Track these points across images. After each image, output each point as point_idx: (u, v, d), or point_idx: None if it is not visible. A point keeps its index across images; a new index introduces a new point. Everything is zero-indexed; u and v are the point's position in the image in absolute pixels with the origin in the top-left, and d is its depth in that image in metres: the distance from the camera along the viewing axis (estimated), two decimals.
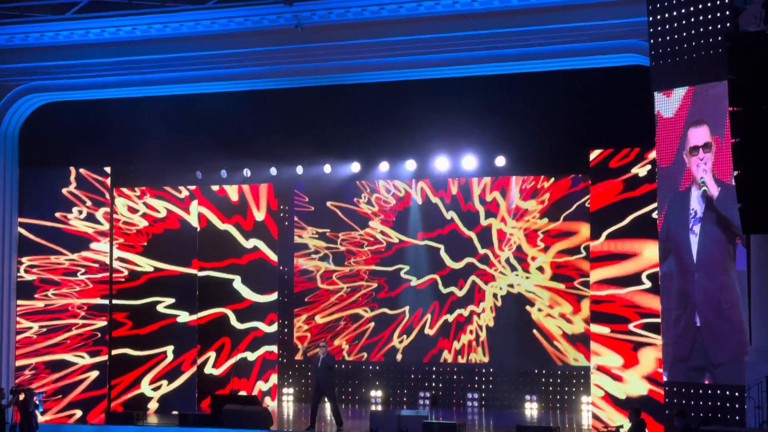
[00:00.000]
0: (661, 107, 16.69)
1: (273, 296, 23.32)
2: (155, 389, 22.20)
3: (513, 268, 22.56)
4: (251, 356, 23.08)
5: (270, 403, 22.64)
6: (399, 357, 23.26)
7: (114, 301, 22.06)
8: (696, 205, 16.13)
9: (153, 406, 22.13)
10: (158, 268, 22.39)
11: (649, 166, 18.69)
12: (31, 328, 21.83)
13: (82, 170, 22.00)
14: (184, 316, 22.16)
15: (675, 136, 16.50)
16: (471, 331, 22.79)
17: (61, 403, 21.58)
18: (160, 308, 22.29)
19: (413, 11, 18.99)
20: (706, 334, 15.89)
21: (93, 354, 21.70)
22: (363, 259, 23.68)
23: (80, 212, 21.96)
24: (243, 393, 22.59)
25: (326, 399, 19.26)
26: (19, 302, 21.86)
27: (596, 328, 19.37)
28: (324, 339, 21.83)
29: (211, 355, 22.92)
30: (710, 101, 15.75)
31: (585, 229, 21.07)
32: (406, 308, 23.29)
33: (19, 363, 21.72)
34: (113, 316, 22.02)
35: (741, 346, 15.47)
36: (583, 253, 21.50)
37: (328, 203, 23.88)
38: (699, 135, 16.06)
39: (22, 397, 18.65)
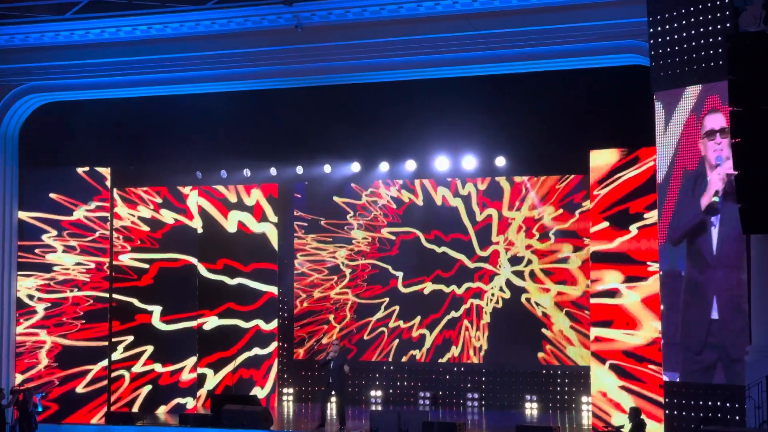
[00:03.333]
0: (665, 105, 16.68)
1: (273, 296, 23.29)
2: (155, 388, 22.23)
3: (513, 268, 22.56)
4: (251, 356, 23.06)
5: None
6: (399, 357, 23.25)
7: (114, 301, 22.06)
8: (716, 197, 15.91)
9: (153, 406, 22.15)
10: (158, 268, 22.39)
11: (649, 166, 18.68)
12: (31, 329, 21.85)
13: (81, 170, 22.00)
14: (183, 316, 22.18)
15: (681, 131, 16.46)
16: (471, 331, 22.79)
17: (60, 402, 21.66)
18: (160, 308, 22.31)
19: (413, 11, 19.00)
20: (722, 329, 15.76)
21: (94, 354, 21.70)
22: (363, 258, 23.68)
23: (80, 212, 21.94)
24: (243, 393, 22.60)
25: (334, 399, 19.40)
26: (19, 302, 21.85)
27: (597, 329, 19.39)
28: (336, 339, 21.82)
29: (211, 354, 22.91)
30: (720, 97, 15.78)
31: (585, 229, 21.07)
32: (407, 308, 23.29)
33: (19, 363, 21.79)
34: (113, 316, 22.01)
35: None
36: (584, 253, 21.51)
37: (328, 203, 23.88)
38: (716, 120, 15.88)
39: (21, 397, 18.66)
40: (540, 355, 22.16)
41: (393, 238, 23.53)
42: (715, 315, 15.90)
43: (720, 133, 15.83)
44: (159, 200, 22.57)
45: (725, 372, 15.71)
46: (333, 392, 19.40)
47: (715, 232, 15.94)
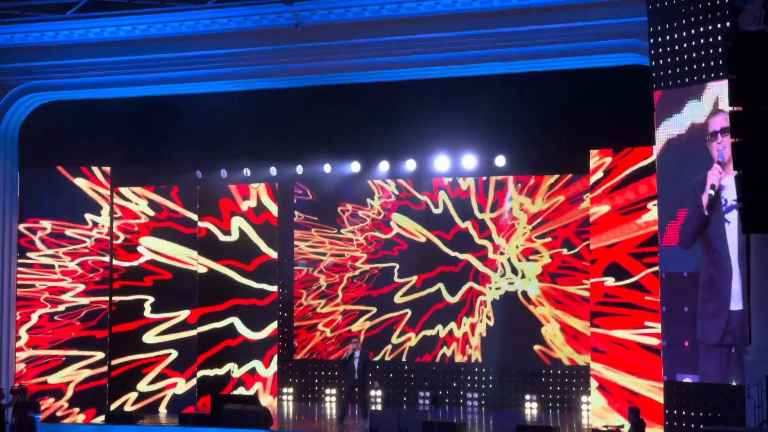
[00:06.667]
0: (665, 105, 16.67)
1: (273, 295, 23.27)
2: (155, 388, 22.22)
3: (513, 268, 22.55)
4: (252, 356, 23.06)
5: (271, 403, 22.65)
6: (399, 357, 23.25)
7: (114, 301, 22.06)
8: (728, 193, 15.73)
9: (153, 405, 22.15)
10: (158, 268, 22.39)
11: (649, 166, 18.68)
12: (31, 328, 21.86)
13: (81, 170, 21.99)
14: (183, 315, 22.18)
15: (680, 131, 16.43)
16: (471, 331, 22.78)
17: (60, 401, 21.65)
18: (160, 307, 22.30)
19: (413, 11, 18.98)
20: (736, 319, 15.72)
21: (93, 353, 21.70)
22: (362, 258, 23.67)
23: (80, 212, 21.94)
24: (243, 393, 22.59)
25: (358, 395, 19.86)
26: (19, 302, 21.85)
27: (596, 329, 19.39)
28: (357, 336, 21.84)
29: (211, 353, 22.90)
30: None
31: (584, 229, 21.06)
32: (406, 307, 23.29)
33: (19, 364, 21.79)
34: (113, 316, 22.01)
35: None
36: (584, 252, 21.49)
37: (328, 202, 23.88)
38: (717, 121, 15.91)
39: (20, 399, 18.62)
40: (540, 354, 22.15)
41: (393, 237, 23.51)
42: (731, 305, 15.72)
43: (721, 133, 15.85)
44: (159, 200, 22.54)
45: (737, 352, 15.56)
46: (357, 388, 19.87)
47: (729, 227, 15.74)
